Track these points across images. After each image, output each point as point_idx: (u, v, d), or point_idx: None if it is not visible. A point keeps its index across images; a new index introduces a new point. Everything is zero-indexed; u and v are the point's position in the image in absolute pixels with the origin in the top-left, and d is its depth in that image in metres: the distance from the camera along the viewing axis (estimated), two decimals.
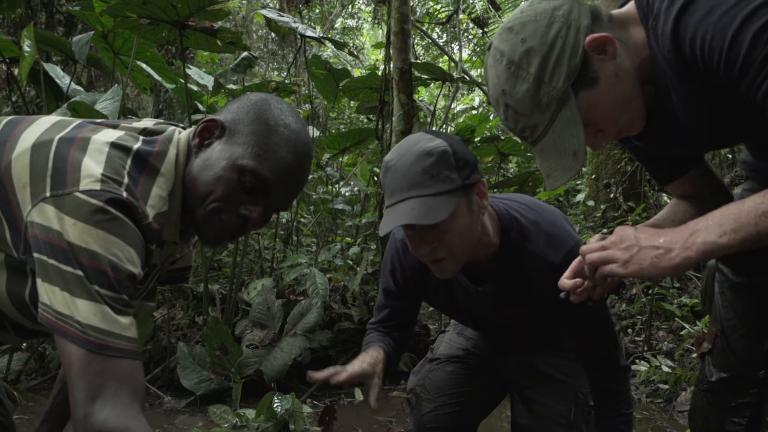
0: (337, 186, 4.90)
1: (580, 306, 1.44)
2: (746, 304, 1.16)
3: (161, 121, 1.13)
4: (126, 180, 0.96)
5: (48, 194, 0.91)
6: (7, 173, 0.95)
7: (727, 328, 1.17)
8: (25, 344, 3.28)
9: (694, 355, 1.13)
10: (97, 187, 0.91)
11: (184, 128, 1.14)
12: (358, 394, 3.19)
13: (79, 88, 4.11)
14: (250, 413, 2.65)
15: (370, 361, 1.42)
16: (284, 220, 4.38)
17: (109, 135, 1.00)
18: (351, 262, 3.73)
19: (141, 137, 1.04)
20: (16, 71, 3.70)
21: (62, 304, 0.88)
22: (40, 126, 1.01)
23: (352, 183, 4.93)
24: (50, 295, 0.89)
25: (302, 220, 4.74)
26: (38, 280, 0.91)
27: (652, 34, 0.95)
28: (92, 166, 0.93)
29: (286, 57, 7.99)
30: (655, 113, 1.02)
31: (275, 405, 2.56)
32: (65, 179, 0.92)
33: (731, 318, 1.18)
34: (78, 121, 1.05)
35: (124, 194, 0.93)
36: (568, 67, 0.95)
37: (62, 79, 3.80)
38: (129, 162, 0.98)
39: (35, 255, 0.91)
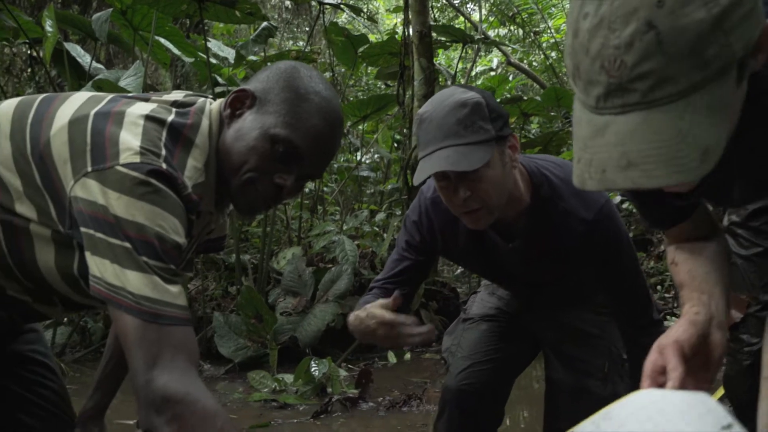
0: (358, 154, 4.89)
1: (611, 263, 1.44)
2: None
3: (190, 93, 1.14)
4: (163, 152, 0.97)
5: (90, 169, 0.93)
6: (47, 150, 0.97)
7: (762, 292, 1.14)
8: (66, 318, 3.39)
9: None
10: (137, 159, 0.93)
11: (214, 99, 1.15)
12: (392, 357, 3.25)
13: (100, 66, 4.14)
14: (288, 378, 2.73)
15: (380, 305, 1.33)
16: (308, 190, 4.41)
17: (143, 108, 1.01)
18: (378, 229, 3.76)
19: (174, 109, 1.05)
20: (35, 52, 3.73)
21: (113, 276, 0.91)
22: (74, 102, 1.02)
23: (373, 150, 4.92)
24: (101, 268, 0.91)
25: (325, 189, 4.76)
26: (87, 254, 0.93)
27: None
28: (130, 139, 0.94)
29: (301, 25, 7.92)
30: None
31: (313, 369, 2.63)
32: (105, 154, 0.93)
33: (765, 283, 1.15)
34: (111, 95, 1.06)
35: (164, 165, 0.95)
36: (748, 31, 0.65)
37: (83, 57, 3.83)
38: (164, 134, 0.99)
39: (82, 229, 0.93)
